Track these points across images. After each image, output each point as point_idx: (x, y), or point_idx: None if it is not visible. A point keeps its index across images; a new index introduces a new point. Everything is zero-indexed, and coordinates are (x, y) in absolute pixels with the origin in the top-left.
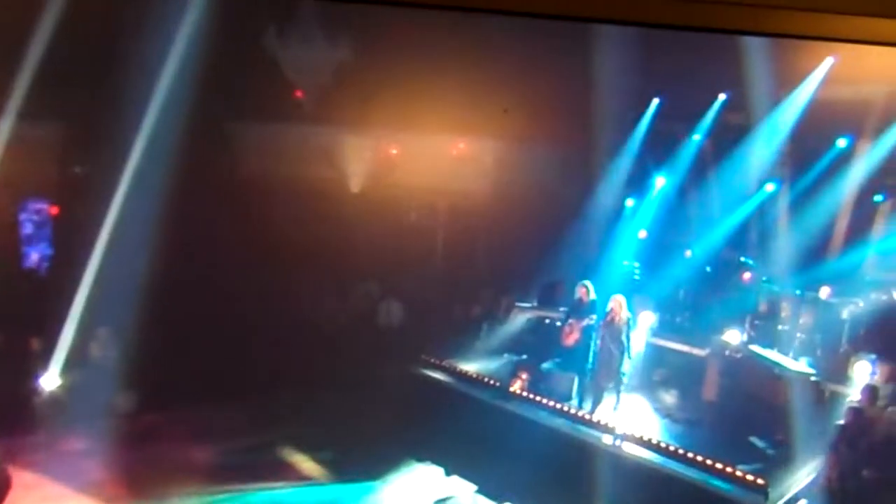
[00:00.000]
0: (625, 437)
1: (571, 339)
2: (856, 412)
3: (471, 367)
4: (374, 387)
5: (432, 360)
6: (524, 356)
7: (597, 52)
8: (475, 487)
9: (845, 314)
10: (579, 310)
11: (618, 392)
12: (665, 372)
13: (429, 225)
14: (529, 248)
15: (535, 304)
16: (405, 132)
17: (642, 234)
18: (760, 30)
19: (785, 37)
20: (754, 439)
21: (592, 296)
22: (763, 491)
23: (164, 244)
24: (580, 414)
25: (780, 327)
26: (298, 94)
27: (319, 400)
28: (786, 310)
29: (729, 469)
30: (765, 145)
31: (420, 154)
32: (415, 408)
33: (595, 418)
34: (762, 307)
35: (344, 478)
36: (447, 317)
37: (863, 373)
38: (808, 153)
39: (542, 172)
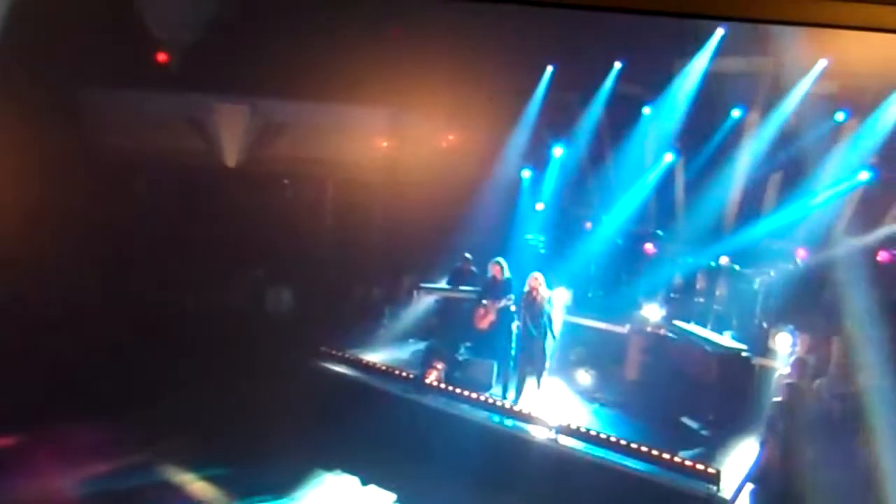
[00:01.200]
0: (559, 429)
1: (486, 321)
2: (790, 387)
3: (377, 357)
4: (270, 387)
5: (333, 352)
6: (435, 343)
7: (490, 21)
8: (394, 497)
9: (757, 285)
10: (493, 289)
11: (539, 377)
12: (584, 352)
13: (318, 201)
14: (428, 225)
15: (443, 284)
16: (288, 98)
17: (539, 206)
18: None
19: (681, 16)
20: (686, 420)
21: (507, 274)
22: (715, 480)
23: (7, 234)
24: (506, 405)
25: (696, 300)
26: (162, 54)
27: (206, 407)
28: (701, 282)
29: (677, 459)
30: (662, 115)
31: (305, 123)
32: (318, 408)
33: (523, 409)
34: (677, 280)
35: (242, 498)
36: (345, 303)
37: (784, 345)
38: (705, 123)
39: (437, 143)
